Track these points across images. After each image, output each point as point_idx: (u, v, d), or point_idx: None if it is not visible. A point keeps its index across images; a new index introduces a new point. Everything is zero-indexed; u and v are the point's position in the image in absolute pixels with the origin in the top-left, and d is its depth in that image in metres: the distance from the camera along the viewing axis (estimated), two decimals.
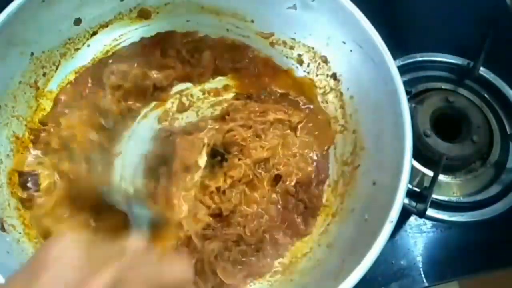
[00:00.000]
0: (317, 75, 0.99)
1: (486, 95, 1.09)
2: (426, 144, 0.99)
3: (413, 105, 1.03)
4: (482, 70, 1.10)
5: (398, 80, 0.82)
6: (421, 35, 1.16)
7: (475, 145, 1.01)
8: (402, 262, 0.92)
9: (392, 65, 0.84)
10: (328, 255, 0.82)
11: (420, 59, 1.12)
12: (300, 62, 1.00)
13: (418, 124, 1.00)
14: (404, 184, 0.74)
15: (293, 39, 0.99)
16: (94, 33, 0.96)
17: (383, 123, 0.84)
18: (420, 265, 0.92)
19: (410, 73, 1.09)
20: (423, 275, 0.91)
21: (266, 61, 1.02)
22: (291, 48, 1.00)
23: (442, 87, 1.09)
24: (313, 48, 0.98)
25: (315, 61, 0.98)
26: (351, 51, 0.91)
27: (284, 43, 1.00)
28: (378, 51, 0.85)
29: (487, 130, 1.04)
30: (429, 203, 0.92)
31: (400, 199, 0.73)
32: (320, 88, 0.98)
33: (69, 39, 0.94)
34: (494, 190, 1.00)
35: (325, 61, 0.97)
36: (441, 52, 1.13)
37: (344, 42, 0.91)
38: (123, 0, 0.96)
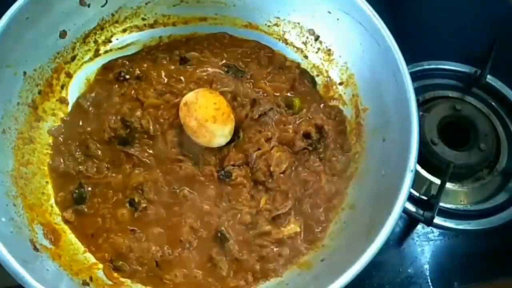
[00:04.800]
0: (308, 50, 1.01)
1: (493, 103, 1.10)
2: (433, 152, 0.99)
3: (421, 113, 1.03)
4: (489, 78, 1.10)
5: (390, 38, 0.85)
6: (428, 43, 1.16)
7: (482, 153, 1.01)
8: (409, 270, 0.92)
9: (382, 25, 0.86)
10: (354, 216, 0.84)
11: (428, 67, 1.12)
12: (288, 40, 1.02)
13: (425, 132, 1.01)
14: (416, 133, 0.77)
15: (278, 17, 1.01)
16: (83, 43, 0.97)
17: (382, 80, 0.87)
18: (428, 273, 0.92)
19: (417, 81, 1.09)
20: (430, 283, 0.91)
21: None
22: (277, 25, 1.02)
23: (450, 95, 1.10)
24: (299, 23, 1.00)
25: (303, 35, 1.00)
26: (338, 19, 0.92)
27: (269, 23, 1.02)
28: (365, 15, 0.87)
29: (494, 138, 1.04)
30: (437, 211, 0.93)
31: (415, 149, 0.76)
32: (313, 60, 1.01)
33: (58, 53, 0.94)
34: (501, 198, 1.00)
35: (313, 33, 0.99)
36: (448, 60, 1.13)
37: (329, 12, 0.93)
38: (104, 6, 0.97)
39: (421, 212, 0.95)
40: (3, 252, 0.68)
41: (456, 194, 1.00)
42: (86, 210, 0.86)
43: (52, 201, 0.87)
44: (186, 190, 0.87)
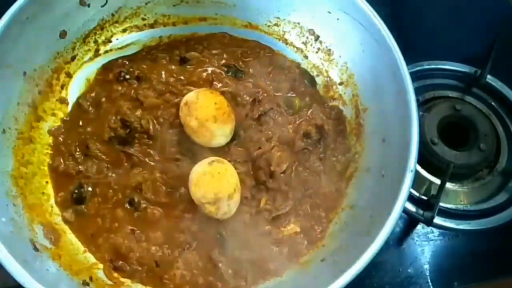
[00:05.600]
0: (308, 50, 1.02)
1: (493, 103, 1.10)
2: (433, 152, 0.99)
3: (421, 113, 1.03)
4: (489, 78, 1.10)
5: (390, 38, 0.85)
6: (428, 43, 1.16)
7: (482, 153, 1.01)
8: (409, 270, 0.92)
9: (382, 25, 0.86)
10: (354, 216, 0.84)
11: (428, 67, 1.12)
12: (288, 40, 1.03)
13: (425, 132, 1.01)
14: (416, 134, 0.77)
15: (278, 17, 1.01)
16: (83, 43, 0.98)
17: (382, 80, 0.87)
18: (428, 273, 0.92)
19: (417, 81, 1.09)
20: (430, 283, 0.91)
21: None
22: (277, 25, 1.02)
23: (450, 95, 1.10)
24: (299, 23, 1.00)
25: (303, 36, 1.00)
26: (338, 19, 0.93)
27: (269, 23, 1.02)
28: (365, 15, 0.88)
29: (494, 138, 1.04)
30: (436, 211, 0.93)
31: (415, 150, 0.76)
32: (313, 60, 1.01)
33: (58, 53, 0.94)
34: (501, 198, 1.00)
35: (313, 33, 0.99)
36: (449, 60, 1.13)
37: (329, 12, 0.93)
38: (104, 6, 0.97)
39: (421, 212, 0.95)
40: (3, 252, 0.68)
41: (456, 194, 1.00)
42: (86, 210, 0.87)
43: (52, 201, 0.87)
44: (183, 189, 0.87)
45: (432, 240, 0.96)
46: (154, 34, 1.03)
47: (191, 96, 0.89)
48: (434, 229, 0.97)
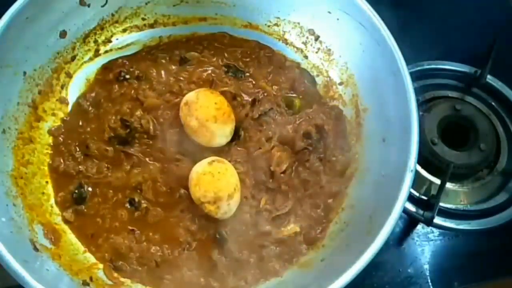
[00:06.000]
0: (308, 50, 1.02)
1: (493, 103, 1.10)
2: (434, 152, 0.99)
3: (421, 113, 1.03)
4: (489, 78, 1.10)
5: (390, 38, 0.85)
6: (428, 43, 1.16)
7: (483, 153, 1.01)
8: (409, 270, 0.92)
9: (382, 25, 0.87)
10: (354, 216, 0.84)
11: (428, 67, 1.12)
12: (288, 39, 1.03)
13: (426, 132, 1.01)
14: (416, 134, 0.78)
15: (278, 17, 1.01)
16: (83, 43, 0.98)
17: (382, 80, 0.87)
18: (428, 273, 0.92)
19: (417, 81, 1.09)
20: (430, 283, 0.91)
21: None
22: (277, 25, 1.02)
23: (450, 95, 1.10)
24: (299, 23, 1.00)
25: (303, 35, 1.00)
26: (338, 19, 0.93)
27: (269, 23, 1.02)
28: (365, 15, 0.88)
29: (494, 138, 1.04)
30: (437, 211, 0.93)
31: (415, 150, 0.77)
32: (313, 60, 1.01)
33: (58, 53, 0.94)
34: (501, 198, 1.00)
35: (313, 33, 0.99)
36: (449, 60, 1.13)
37: (329, 12, 0.93)
38: (104, 6, 0.97)
39: (421, 212, 0.95)
40: (3, 252, 0.68)
41: (456, 194, 1.00)
42: (86, 210, 0.87)
43: (52, 201, 0.87)
44: (183, 189, 0.87)
45: (432, 240, 0.96)
46: (154, 34, 1.03)
47: (191, 96, 0.89)
48: (434, 229, 0.97)
